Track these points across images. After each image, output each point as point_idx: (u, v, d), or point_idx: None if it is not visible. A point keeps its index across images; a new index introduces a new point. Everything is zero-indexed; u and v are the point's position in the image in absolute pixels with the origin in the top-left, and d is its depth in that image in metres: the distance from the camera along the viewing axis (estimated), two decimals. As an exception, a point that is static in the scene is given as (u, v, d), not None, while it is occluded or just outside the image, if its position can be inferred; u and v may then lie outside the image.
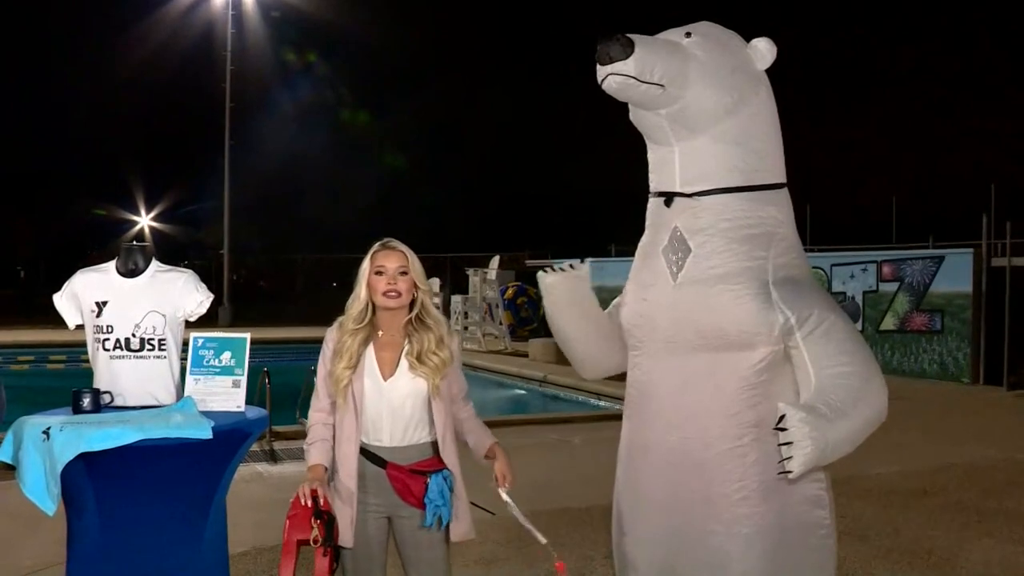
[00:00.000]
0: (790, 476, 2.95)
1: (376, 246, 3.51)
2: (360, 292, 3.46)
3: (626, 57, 3.18)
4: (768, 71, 3.47)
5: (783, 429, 2.92)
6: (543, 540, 3.44)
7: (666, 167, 3.44)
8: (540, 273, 3.94)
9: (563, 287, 3.86)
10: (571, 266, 3.87)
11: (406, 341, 3.47)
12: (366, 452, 3.43)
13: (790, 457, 2.91)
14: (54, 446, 3.35)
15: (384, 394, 3.42)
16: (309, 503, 3.25)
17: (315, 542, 3.21)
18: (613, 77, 3.23)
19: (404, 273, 3.44)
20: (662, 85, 3.22)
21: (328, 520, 3.26)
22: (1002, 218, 16.80)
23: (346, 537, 3.36)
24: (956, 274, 16.40)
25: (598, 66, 3.25)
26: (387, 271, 3.43)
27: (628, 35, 3.22)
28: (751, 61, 3.41)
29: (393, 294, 3.42)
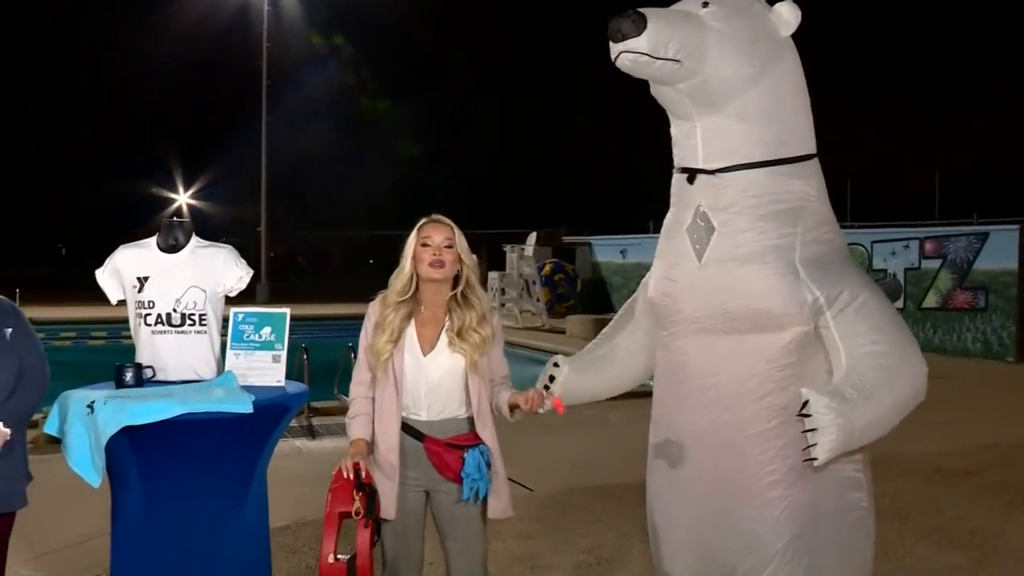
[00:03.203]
0: (815, 464, 2.89)
1: (423, 220, 3.54)
2: (405, 265, 3.49)
3: (638, 33, 3.08)
4: (801, 40, 3.35)
5: (807, 415, 2.86)
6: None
7: (688, 142, 3.35)
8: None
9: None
10: (549, 382, 3.76)
11: (447, 317, 3.49)
12: (404, 426, 3.46)
13: (815, 444, 2.85)
14: (98, 419, 3.40)
15: (423, 369, 3.44)
16: (351, 476, 3.29)
17: (356, 514, 3.24)
18: (626, 55, 3.13)
19: (449, 246, 3.47)
20: (678, 60, 3.12)
21: (370, 493, 3.29)
22: (1050, 193, 16.50)
23: (389, 510, 3.40)
24: (1001, 251, 16.17)
25: (611, 43, 3.15)
26: (433, 243, 3.46)
27: (640, 10, 3.10)
28: (774, 28, 3.29)
29: (438, 264, 3.43)
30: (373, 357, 3.47)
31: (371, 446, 3.47)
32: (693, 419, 3.33)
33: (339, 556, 3.24)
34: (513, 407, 3.45)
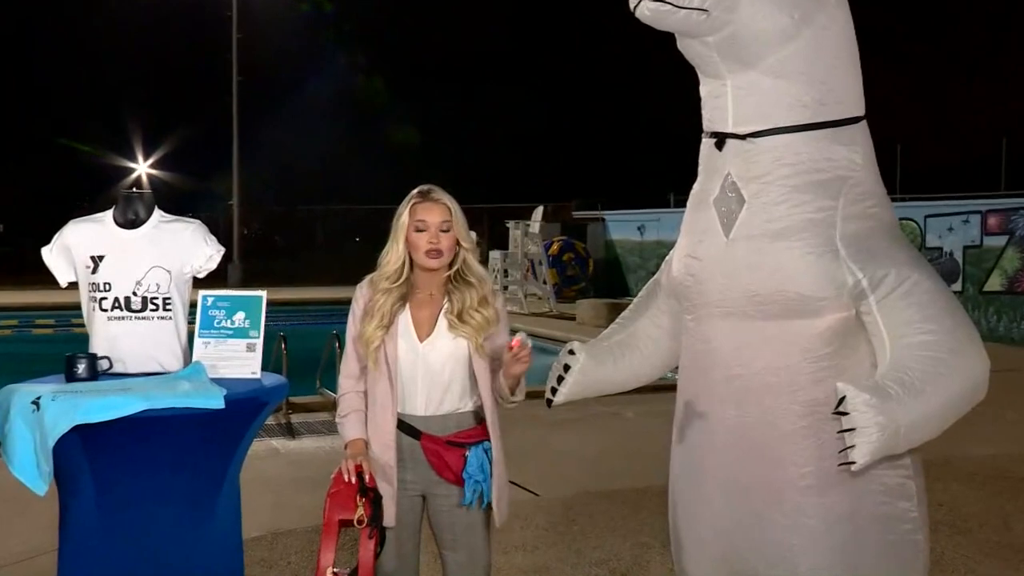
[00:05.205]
0: (852, 468, 2.88)
1: (415, 196, 3.51)
2: (397, 248, 3.48)
3: None
4: None
5: (844, 413, 2.84)
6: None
7: (717, 103, 3.34)
8: (550, 400, 3.79)
9: (575, 390, 3.76)
10: (563, 371, 3.74)
11: (445, 299, 3.50)
12: (399, 423, 3.48)
13: (852, 446, 2.83)
14: (45, 418, 3.37)
15: (420, 356, 3.46)
16: (354, 479, 3.31)
17: (359, 523, 3.27)
18: (646, 3, 3.12)
19: (447, 229, 3.46)
20: (705, 10, 3.10)
21: (375, 498, 3.31)
22: None
23: (388, 515, 3.41)
24: (1078, 226, 16.15)
25: None
26: (429, 227, 3.45)
27: None
28: None
29: (435, 254, 3.44)
30: (363, 346, 3.49)
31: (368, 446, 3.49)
32: (718, 413, 3.34)
33: (336, 570, 3.27)
34: (509, 377, 3.39)
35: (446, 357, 3.47)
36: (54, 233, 4.08)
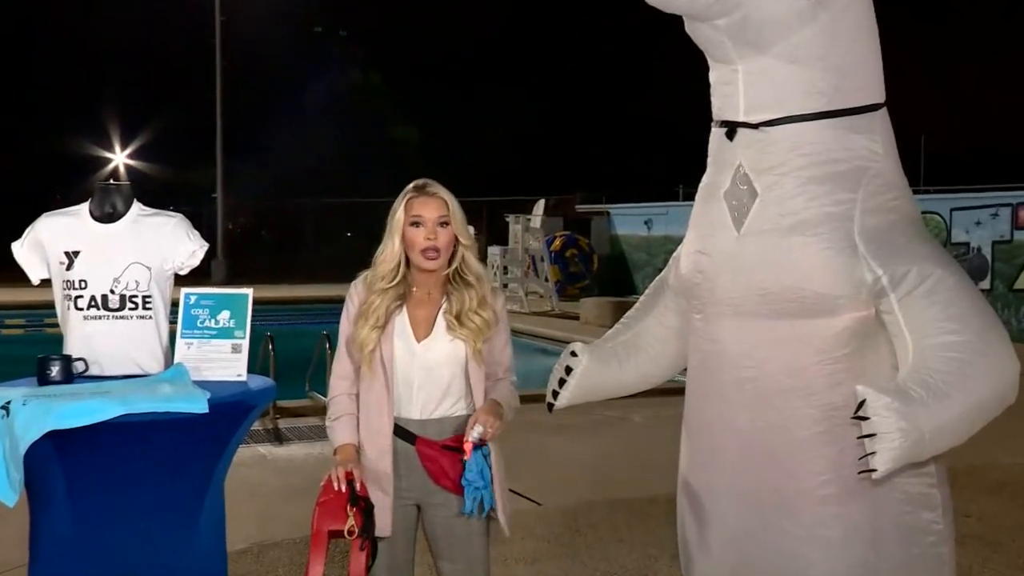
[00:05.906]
0: (873, 476, 2.86)
1: (410, 190, 3.52)
2: (392, 246, 3.49)
3: None
4: None
5: (864, 418, 2.83)
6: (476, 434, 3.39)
7: (727, 90, 3.34)
8: (551, 404, 3.83)
9: (577, 393, 3.78)
10: (565, 374, 3.76)
11: (444, 299, 3.52)
12: (394, 427, 3.49)
13: (874, 453, 2.82)
14: (16, 423, 3.36)
15: (417, 357, 3.48)
16: (344, 488, 3.31)
17: (350, 534, 3.27)
18: None
19: (445, 224, 3.47)
20: None
21: (366, 508, 3.31)
22: None
23: (384, 525, 3.42)
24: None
25: None
26: (425, 222, 3.45)
27: None
28: None
29: (432, 253, 3.45)
30: (356, 350, 3.50)
31: (360, 452, 3.49)
32: (729, 419, 3.33)
33: None
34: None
35: (444, 359, 3.48)
36: (25, 227, 4.07)
